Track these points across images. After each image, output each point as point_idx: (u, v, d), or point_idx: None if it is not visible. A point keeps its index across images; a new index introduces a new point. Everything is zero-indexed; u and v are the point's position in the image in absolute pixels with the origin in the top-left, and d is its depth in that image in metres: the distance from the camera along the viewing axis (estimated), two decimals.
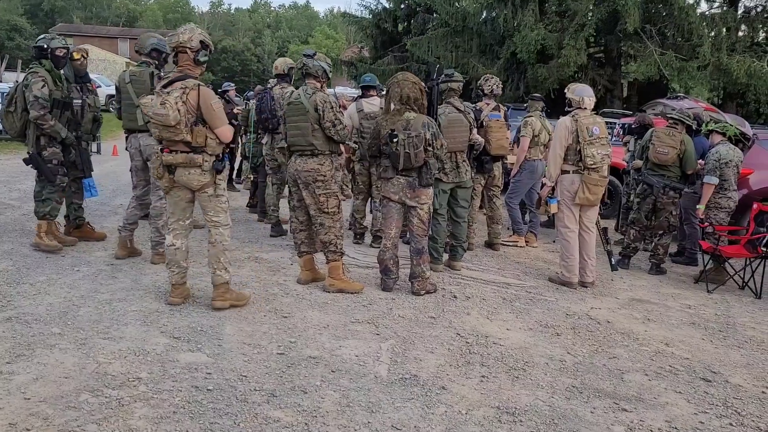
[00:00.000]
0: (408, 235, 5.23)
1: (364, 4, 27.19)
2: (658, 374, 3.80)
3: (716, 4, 17.45)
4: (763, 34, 16.90)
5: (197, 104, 4.09)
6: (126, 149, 5.67)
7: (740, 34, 16.66)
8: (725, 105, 15.76)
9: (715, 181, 6.18)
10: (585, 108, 5.55)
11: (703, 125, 6.77)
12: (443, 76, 5.43)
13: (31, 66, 5.29)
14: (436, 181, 5.33)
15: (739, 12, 16.90)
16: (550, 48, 16.58)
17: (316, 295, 4.88)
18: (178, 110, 4.00)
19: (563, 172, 5.59)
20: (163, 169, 4.21)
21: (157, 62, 5.61)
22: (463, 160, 5.72)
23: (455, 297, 5.09)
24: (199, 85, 4.12)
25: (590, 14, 16.11)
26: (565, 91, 5.79)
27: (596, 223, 5.86)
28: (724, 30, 16.01)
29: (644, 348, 4.25)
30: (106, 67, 38.58)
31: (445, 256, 5.94)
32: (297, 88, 5.30)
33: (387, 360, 3.72)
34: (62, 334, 3.74)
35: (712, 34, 16.09)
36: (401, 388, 3.36)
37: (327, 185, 4.94)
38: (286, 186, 6.97)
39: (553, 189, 5.91)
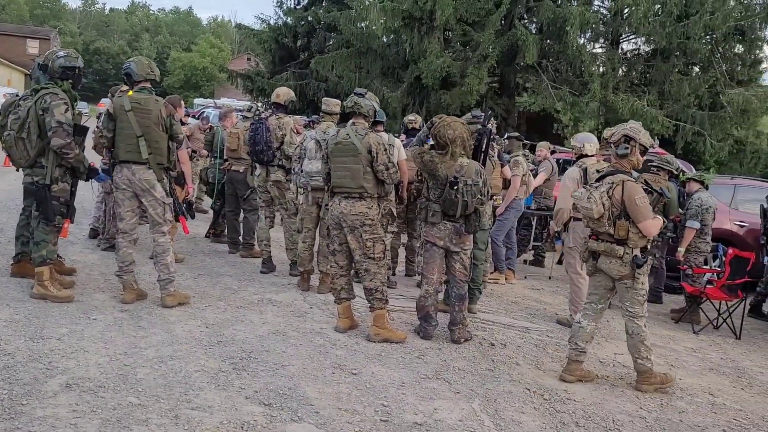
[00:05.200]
0: (449, 281, 5.13)
1: (261, 17, 26.72)
2: (734, 430, 3.99)
3: (600, 44, 19.01)
4: (638, 75, 18.56)
5: (621, 199, 4.19)
6: (110, 177, 5.12)
7: (620, 73, 18.26)
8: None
9: (698, 225, 6.68)
10: (588, 154, 5.79)
11: (681, 174, 7.29)
12: (487, 121, 5.37)
13: (45, 85, 4.61)
14: None
15: (620, 53, 18.55)
16: (453, 75, 17.22)
17: (364, 345, 4.65)
18: (602, 204, 4.16)
19: (576, 219, 5.76)
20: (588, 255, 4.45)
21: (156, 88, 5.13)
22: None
23: (492, 345, 5.06)
24: (623, 181, 4.22)
25: (492, 46, 16.97)
26: (571, 140, 6.02)
27: None
28: (611, 69, 17.45)
29: (698, 399, 4.45)
30: None
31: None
32: (338, 125, 5.07)
33: (491, 424, 3.61)
34: (143, 405, 3.28)
35: (601, 71, 17.50)
36: None
37: (374, 229, 4.76)
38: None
39: (558, 233, 6.11)
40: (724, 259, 6.70)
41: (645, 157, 8.16)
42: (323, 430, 3.29)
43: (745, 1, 17.56)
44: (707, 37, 17.25)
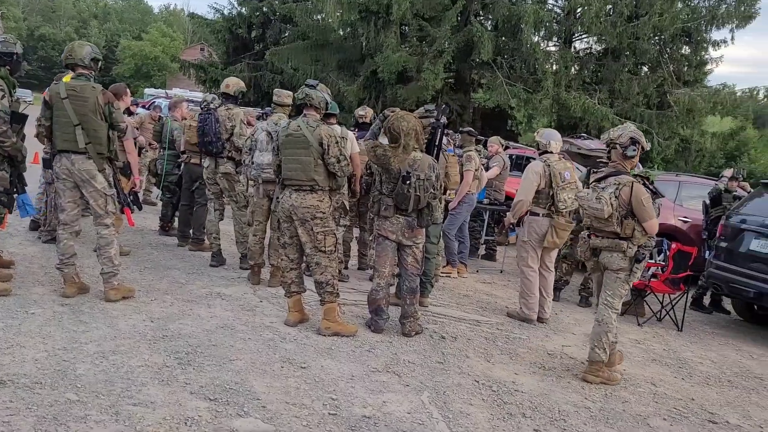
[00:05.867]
0: (400, 274, 5.12)
1: (215, 6, 26.29)
2: (674, 418, 4.10)
3: (553, 42, 19.34)
4: (590, 73, 18.98)
5: (628, 199, 4.36)
6: (51, 166, 4.95)
7: (573, 71, 18.64)
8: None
9: None
10: (553, 152, 5.86)
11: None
12: (442, 115, 5.37)
13: None
14: None
15: (572, 51, 18.92)
16: (410, 70, 17.28)
17: (314, 339, 4.61)
18: (611, 204, 4.33)
19: (533, 213, 5.83)
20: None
21: (94, 73, 4.94)
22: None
23: (443, 338, 5.08)
24: (632, 183, 4.38)
25: (448, 42, 17.07)
26: (535, 134, 6.07)
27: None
28: (564, 68, 17.78)
29: (641, 390, 4.56)
30: None
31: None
32: (291, 118, 4.99)
33: (439, 416, 3.62)
34: (82, 401, 3.16)
35: (554, 69, 17.82)
36: None
37: (326, 222, 4.71)
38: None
39: (513, 224, 6.17)
40: (667, 253, 6.88)
41: (595, 154, 8.38)
42: (270, 424, 3.23)
43: (692, 4, 18.10)
44: (656, 38, 17.73)
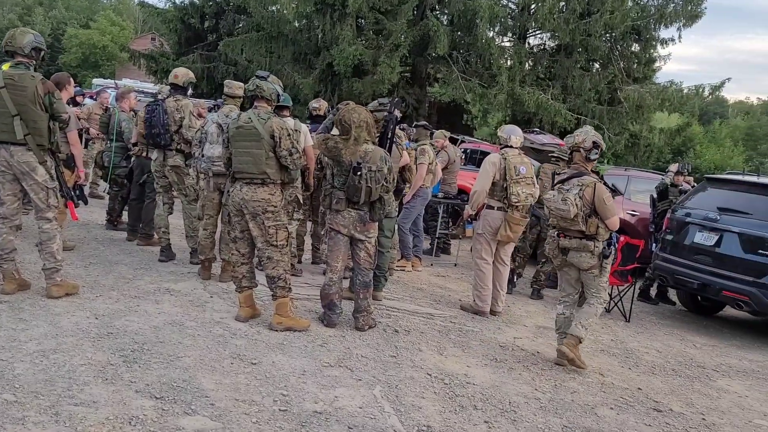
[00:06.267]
0: (353, 268, 5.09)
1: None
2: (621, 407, 4.20)
3: (508, 38, 19.57)
4: (543, 69, 19.27)
5: (591, 199, 4.59)
6: None
7: (527, 67, 18.90)
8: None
9: None
10: (512, 146, 5.91)
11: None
12: (394, 108, 5.33)
13: None
14: None
15: (527, 47, 19.18)
16: (366, 63, 17.24)
17: (266, 334, 4.54)
18: (576, 205, 4.54)
19: (488, 207, 5.88)
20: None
21: (35, 62, 4.75)
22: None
23: (396, 331, 5.08)
24: (595, 183, 4.61)
25: (404, 36, 17.10)
26: (498, 131, 6.13)
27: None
28: (518, 63, 18.01)
29: (589, 380, 4.65)
30: None
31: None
32: (243, 110, 4.90)
33: (391, 410, 3.62)
34: (20, 402, 3.04)
35: (509, 64, 18.03)
36: None
37: (277, 216, 4.64)
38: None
39: (471, 217, 6.22)
40: (616, 246, 7.02)
41: (547, 148, 8.51)
42: (218, 422, 3.17)
43: (641, 2, 18.52)
44: (607, 35, 18.09)
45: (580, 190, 4.62)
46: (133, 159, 7.02)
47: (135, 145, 6.85)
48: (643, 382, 4.78)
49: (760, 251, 6.25)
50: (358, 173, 4.56)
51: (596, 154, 4.75)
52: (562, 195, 4.64)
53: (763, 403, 4.76)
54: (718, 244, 6.61)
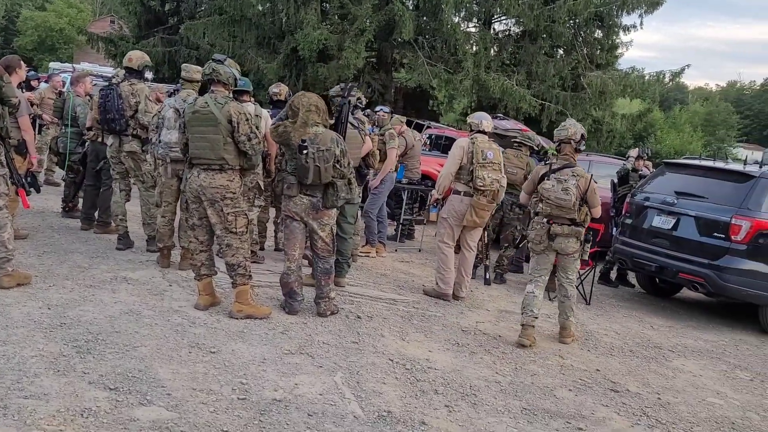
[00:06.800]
0: (312, 256, 5.04)
1: None
2: (579, 389, 4.26)
3: (473, 23, 19.59)
4: (508, 55, 19.37)
5: (585, 189, 4.98)
6: None
7: (492, 52, 18.97)
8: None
9: None
10: (484, 131, 5.93)
11: (549, 150, 7.65)
12: (348, 92, 5.28)
13: None
14: None
15: (492, 33, 19.24)
16: (331, 48, 17.07)
17: (226, 322, 4.48)
18: (575, 194, 4.89)
19: (454, 192, 5.88)
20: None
21: None
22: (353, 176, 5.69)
23: (359, 317, 5.07)
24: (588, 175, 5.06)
25: (369, 20, 16.96)
26: (468, 117, 6.16)
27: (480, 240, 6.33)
28: (483, 49, 18.05)
29: (549, 362, 4.71)
30: None
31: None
32: (201, 94, 4.79)
33: (351, 396, 3.61)
34: None
35: (474, 50, 18.06)
36: (386, 427, 3.30)
37: (236, 203, 4.57)
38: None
39: (437, 200, 6.24)
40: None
41: (509, 133, 8.55)
42: (174, 412, 3.12)
43: None
44: (570, 21, 18.20)
45: (576, 180, 4.97)
46: (87, 144, 6.83)
47: (89, 129, 6.67)
48: (601, 364, 4.86)
49: (715, 234, 6.40)
50: (304, 152, 4.49)
51: (583, 145, 5.14)
52: (562, 185, 4.96)
53: (717, 381, 4.88)
54: (675, 227, 6.74)
